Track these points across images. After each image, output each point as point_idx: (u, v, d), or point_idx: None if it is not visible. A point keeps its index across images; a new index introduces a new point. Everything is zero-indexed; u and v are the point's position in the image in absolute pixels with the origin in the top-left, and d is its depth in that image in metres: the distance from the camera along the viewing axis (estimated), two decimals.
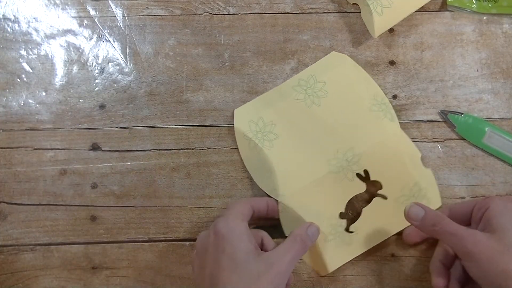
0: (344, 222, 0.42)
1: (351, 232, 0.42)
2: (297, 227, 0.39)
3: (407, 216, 0.38)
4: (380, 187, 0.42)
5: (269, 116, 0.44)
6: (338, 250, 0.42)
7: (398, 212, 0.40)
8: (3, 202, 0.44)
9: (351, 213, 0.43)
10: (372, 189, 0.43)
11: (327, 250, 0.41)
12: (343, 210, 0.42)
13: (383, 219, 0.42)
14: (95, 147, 0.45)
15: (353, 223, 0.42)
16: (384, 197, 0.42)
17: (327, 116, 0.43)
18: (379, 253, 0.43)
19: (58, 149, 0.45)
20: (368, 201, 0.43)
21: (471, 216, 0.39)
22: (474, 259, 0.35)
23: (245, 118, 0.44)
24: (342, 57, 0.45)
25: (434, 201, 0.43)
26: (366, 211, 0.42)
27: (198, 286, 0.37)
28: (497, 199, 0.38)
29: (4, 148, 0.45)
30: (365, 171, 0.42)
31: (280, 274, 0.35)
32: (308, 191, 0.42)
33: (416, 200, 0.42)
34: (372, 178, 0.42)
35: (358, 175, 0.42)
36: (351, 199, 0.42)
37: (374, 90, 0.44)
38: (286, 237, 0.39)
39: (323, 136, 0.43)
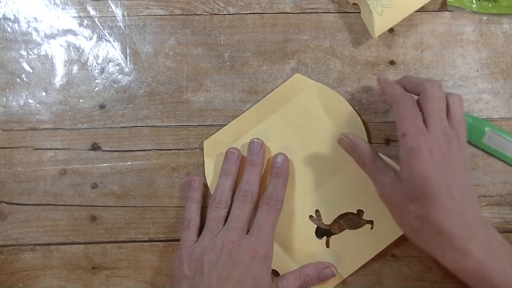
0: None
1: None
2: (309, 265, 0.42)
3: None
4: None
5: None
6: None
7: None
8: (3, 202, 0.44)
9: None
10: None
11: None
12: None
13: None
14: (95, 147, 0.45)
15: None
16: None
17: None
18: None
19: (58, 149, 0.45)
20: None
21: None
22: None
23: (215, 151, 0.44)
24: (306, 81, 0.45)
25: None
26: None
27: None
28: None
29: (4, 148, 0.45)
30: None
31: None
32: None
33: None
34: None
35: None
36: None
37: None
38: None
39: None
